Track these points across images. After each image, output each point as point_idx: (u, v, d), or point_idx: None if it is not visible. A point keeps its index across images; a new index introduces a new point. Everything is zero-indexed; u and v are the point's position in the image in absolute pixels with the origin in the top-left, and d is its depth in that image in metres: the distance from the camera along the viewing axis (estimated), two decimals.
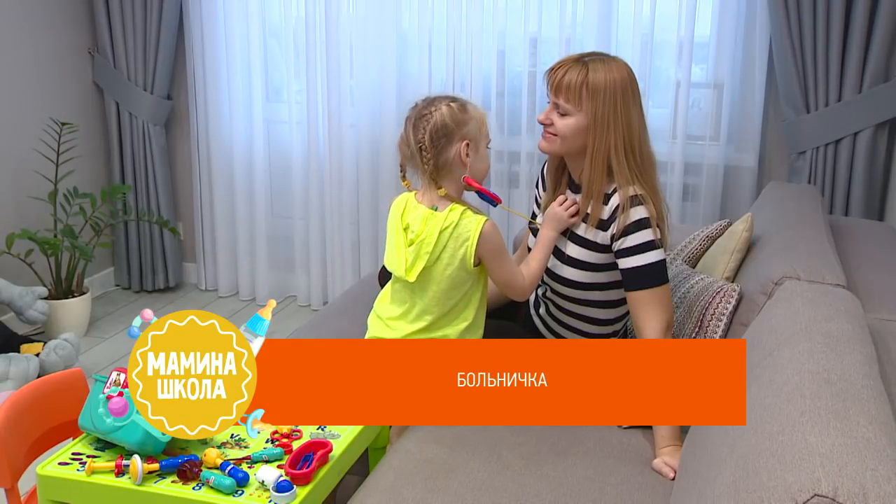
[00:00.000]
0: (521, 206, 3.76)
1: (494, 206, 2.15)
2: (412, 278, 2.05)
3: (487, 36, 3.64)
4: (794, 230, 2.39)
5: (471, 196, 2.18)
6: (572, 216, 2.16)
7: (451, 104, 2.03)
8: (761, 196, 2.92)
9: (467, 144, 2.02)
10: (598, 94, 2.04)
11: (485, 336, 2.37)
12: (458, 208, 2.04)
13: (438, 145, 2.01)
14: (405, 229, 2.09)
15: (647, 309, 2.05)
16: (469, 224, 2.03)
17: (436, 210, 2.05)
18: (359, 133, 3.91)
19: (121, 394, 1.78)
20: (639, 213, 2.05)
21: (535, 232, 2.31)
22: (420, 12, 3.71)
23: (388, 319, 2.16)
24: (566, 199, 2.18)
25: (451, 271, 2.05)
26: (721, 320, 2.15)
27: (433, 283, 2.07)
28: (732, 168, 3.55)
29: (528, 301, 2.42)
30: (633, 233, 2.05)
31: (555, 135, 2.12)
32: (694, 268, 2.53)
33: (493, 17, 3.63)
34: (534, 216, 2.38)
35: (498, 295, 2.51)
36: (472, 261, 2.04)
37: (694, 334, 2.19)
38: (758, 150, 3.51)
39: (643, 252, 2.05)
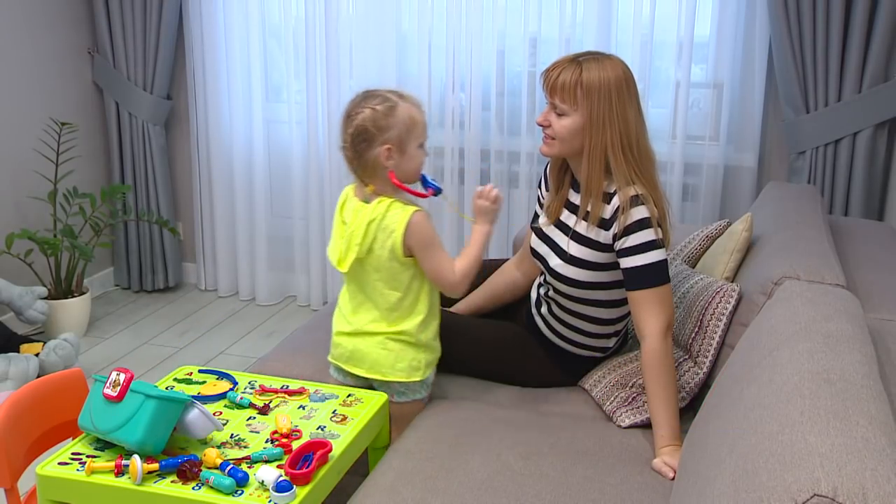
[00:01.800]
0: (521, 207, 3.76)
1: (437, 194, 2.17)
2: (344, 269, 2.13)
3: (487, 36, 3.64)
4: (794, 230, 2.40)
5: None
6: (495, 202, 2.17)
7: (377, 107, 2.05)
8: (761, 196, 2.92)
9: (388, 149, 2.04)
10: (592, 93, 2.05)
11: (484, 336, 2.38)
12: (386, 201, 2.08)
13: (359, 148, 2.06)
14: (344, 222, 2.14)
15: (648, 308, 2.05)
16: (395, 215, 2.06)
17: (367, 203, 2.10)
18: None
19: (122, 393, 1.77)
20: (640, 212, 2.05)
21: (536, 231, 2.32)
22: (420, 12, 3.71)
23: (348, 314, 2.21)
24: (483, 189, 2.18)
25: (384, 263, 2.10)
26: (721, 320, 2.15)
27: (372, 275, 2.12)
28: (732, 168, 3.55)
29: (529, 300, 2.42)
30: (634, 232, 2.05)
31: (553, 138, 2.13)
32: (693, 268, 2.53)
33: (493, 17, 3.63)
34: (536, 216, 2.38)
35: (499, 295, 2.52)
36: (402, 251, 2.07)
37: (693, 334, 2.19)
38: (757, 150, 3.51)
39: (644, 252, 2.05)
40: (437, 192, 2.17)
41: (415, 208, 2.08)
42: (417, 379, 2.16)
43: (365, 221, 2.08)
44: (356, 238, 2.09)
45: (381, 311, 2.14)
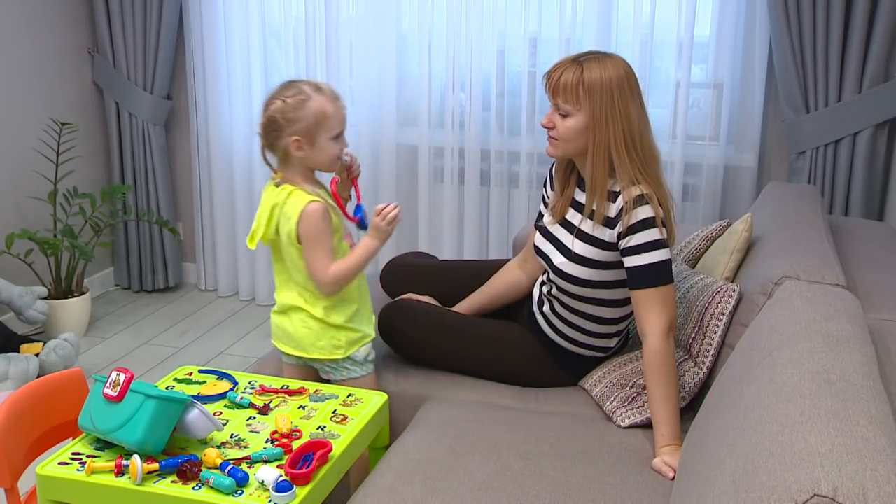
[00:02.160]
0: (521, 207, 3.76)
1: (360, 227, 2.25)
2: (251, 246, 2.23)
3: (487, 36, 3.64)
4: (794, 230, 2.40)
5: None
6: (390, 223, 2.18)
7: (288, 99, 2.12)
8: (761, 196, 2.92)
9: (296, 140, 2.11)
10: (594, 92, 2.06)
11: (485, 335, 2.38)
12: (289, 188, 2.15)
13: (269, 137, 2.15)
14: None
15: (650, 308, 2.05)
16: (294, 202, 2.13)
17: (276, 187, 2.18)
18: (359, 133, 3.90)
19: (122, 393, 1.77)
20: (645, 212, 2.05)
21: (541, 230, 2.32)
22: (420, 12, 3.71)
23: (276, 292, 2.29)
24: (385, 208, 2.18)
25: (286, 247, 2.17)
26: (721, 320, 2.15)
27: (285, 255, 2.21)
28: (732, 168, 3.55)
29: (531, 300, 2.42)
30: (638, 231, 2.05)
31: (557, 139, 2.14)
32: (694, 268, 2.53)
33: (493, 17, 3.63)
34: (540, 216, 2.38)
35: (501, 294, 2.52)
36: (296, 238, 2.13)
37: (694, 334, 2.19)
38: (758, 150, 3.51)
39: (648, 251, 2.05)
40: (361, 226, 2.24)
41: (313, 198, 2.13)
42: (339, 357, 2.22)
43: (270, 205, 2.17)
44: (262, 219, 2.18)
45: (297, 290, 2.22)
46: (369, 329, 2.29)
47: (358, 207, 2.27)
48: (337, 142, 2.16)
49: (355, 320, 2.24)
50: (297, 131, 2.11)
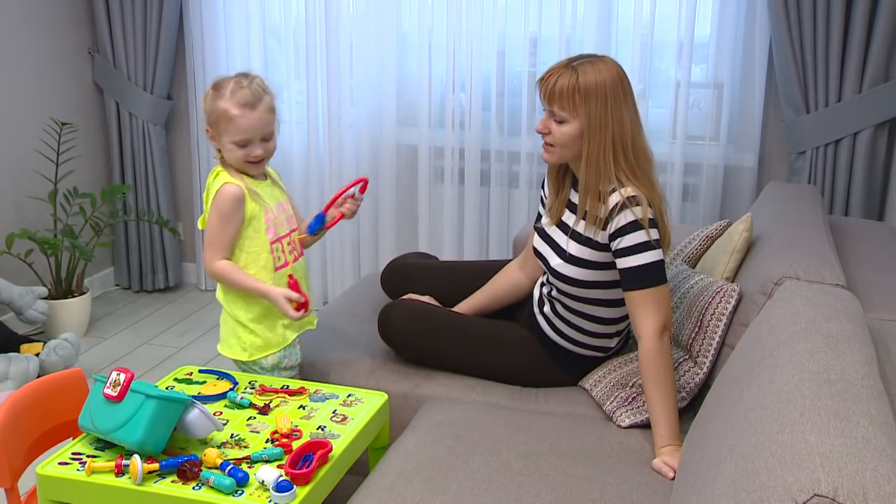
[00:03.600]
0: (520, 207, 3.76)
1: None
2: (200, 227, 2.29)
3: (487, 36, 3.64)
4: (794, 230, 2.40)
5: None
6: (297, 313, 2.16)
7: (210, 91, 2.21)
8: (761, 196, 2.92)
9: (207, 130, 2.22)
10: (590, 97, 2.05)
11: (485, 335, 2.38)
12: (217, 169, 2.23)
13: (208, 121, 2.22)
14: None
15: (643, 309, 2.05)
16: (215, 184, 2.18)
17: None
18: (359, 133, 3.91)
19: (122, 393, 1.77)
20: (635, 213, 2.05)
21: (539, 231, 2.32)
22: (420, 12, 3.71)
23: None
24: (298, 302, 2.16)
25: None
26: (721, 320, 2.15)
27: None
28: (732, 168, 3.55)
29: (531, 300, 2.42)
30: (629, 233, 2.05)
31: (553, 145, 2.13)
32: (694, 268, 2.53)
33: (493, 17, 3.63)
34: (539, 217, 2.38)
35: (501, 295, 2.52)
36: None
37: (694, 334, 2.19)
38: (758, 150, 3.51)
39: (639, 252, 2.05)
40: (309, 229, 2.33)
41: (230, 181, 2.16)
42: (244, 359, 2.22)
43: (207, 189, 2.24)
44: (205, 203, 2.25)
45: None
46: (283, 339, 2.24)
47: (318, 217, 2.34)
48: (242, 149, 2.15)
49: (265, 323, 2.22)
50: (209, 122, 2.20)
